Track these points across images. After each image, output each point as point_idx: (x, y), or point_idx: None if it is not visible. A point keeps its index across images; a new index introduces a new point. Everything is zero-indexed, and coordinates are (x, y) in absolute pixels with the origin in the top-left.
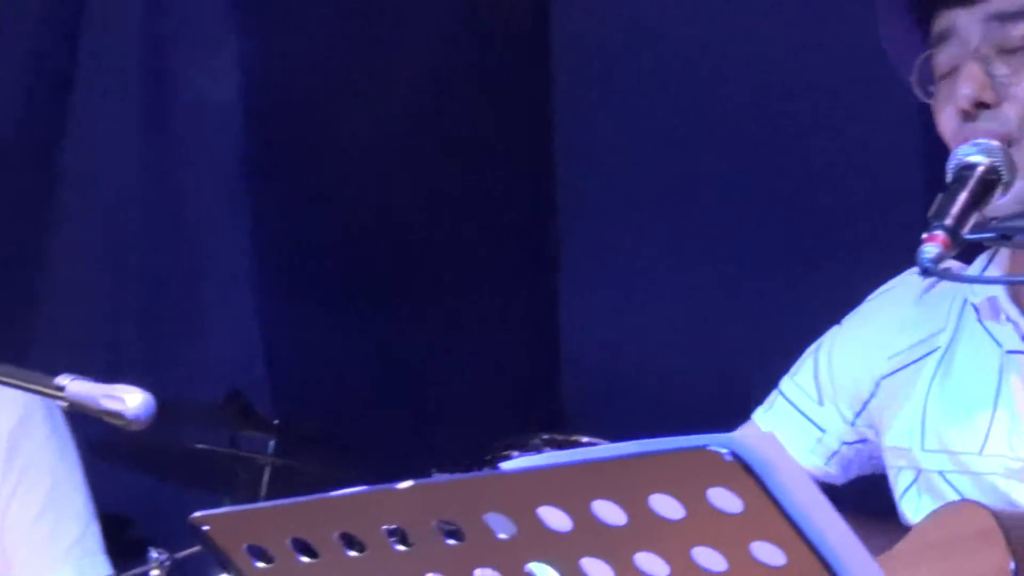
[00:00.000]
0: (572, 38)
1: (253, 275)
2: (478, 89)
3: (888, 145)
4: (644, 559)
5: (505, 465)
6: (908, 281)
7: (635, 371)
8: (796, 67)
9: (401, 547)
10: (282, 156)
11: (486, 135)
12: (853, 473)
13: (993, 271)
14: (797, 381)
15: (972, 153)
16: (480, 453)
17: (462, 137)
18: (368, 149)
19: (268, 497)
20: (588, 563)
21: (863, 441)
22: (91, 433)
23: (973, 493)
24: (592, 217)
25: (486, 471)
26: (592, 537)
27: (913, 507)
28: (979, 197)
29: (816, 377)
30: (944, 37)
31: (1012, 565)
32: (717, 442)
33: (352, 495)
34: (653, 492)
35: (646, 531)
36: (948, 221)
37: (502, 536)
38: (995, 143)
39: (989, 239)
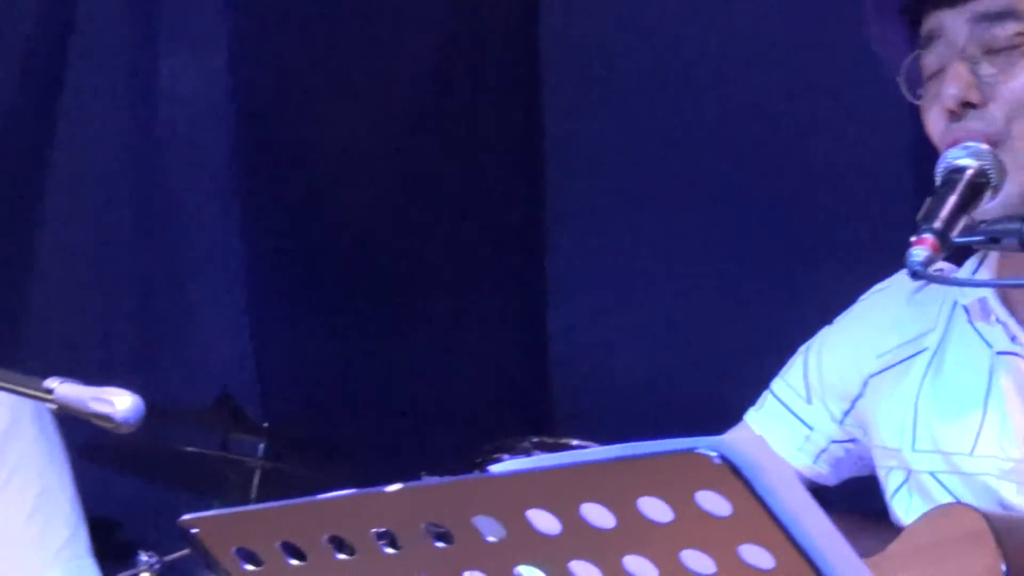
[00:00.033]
0: (561, 39)
1: (243, 278)
2: (467, 91)
3: (880, 146)
4: (633, 562)
5: (494, 468)
6: (900, 281)
7: (625, 373)
8: (786, 68)
9: (390, 550)
10: (272, 158)
11: (475, 137)
12: (845, 474)
13: (983, 273)
14: (787, 380)
15: (961, 156)
16: (470, 456)
17: (451, 139)
18: (357, 151)
19: (258, 500)
20: (577, 566)
21: (852, 441)
22: (81, 435)
23: (964, 493)
24: (581, 220)
25: (475, 474)
26: (581, 540)
27: (904, 507)
28: (968, 200)
29: (806, 376)
30: (932, 38)
31: (1003, 567)
32: (705, 445)
33: (341, 498)
34: (642, 495)
35: (635, 534)
36: (937, 224)
37: (491, 539)
38: (984, 146)
39: (978, 242)
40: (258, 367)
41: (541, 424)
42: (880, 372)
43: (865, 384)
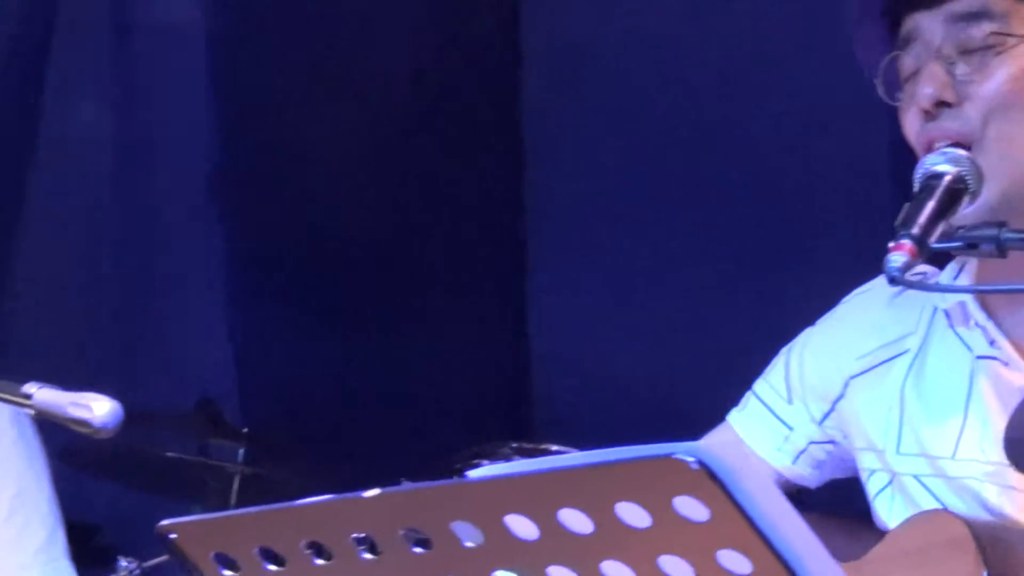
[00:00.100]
0: (541, 40)
1: (223, 284)
2: (449, 93)
3: (863, 149)
4: (611, 567)
5: (472, 473)
6: (882, 284)
7: (606, 377)
8: (768, 72)
9: (368, 555)
10: (252, 165)
11: (456, 139)
12: (826, 475)
13: (964, 278)
14: (769, 381)
15: (939, 162)
16: (450, 461)
17: (432, 142)
18: (339, 156)
19: (238, 506)
20: (555, 571)
21: (832, 442)
22: (60, 440)
23: (947, 496)
24: (562, 225)
25: (453, 479)
26: (559, 545)
27: (887, 510)
28: (946, 206)
29: (787, 377)
30: (909, 40)
31: (984, 574)
32: (683, 450)
33: (319, 503)
34: (619, 500)
35: (613, 539)
36: (915, 230)
37: (469, 544)
38: (962, 152)
39: (956, 248)
40: (238, 372)
41: (521, 429)
42: (861, 374)
43: (846, 385)
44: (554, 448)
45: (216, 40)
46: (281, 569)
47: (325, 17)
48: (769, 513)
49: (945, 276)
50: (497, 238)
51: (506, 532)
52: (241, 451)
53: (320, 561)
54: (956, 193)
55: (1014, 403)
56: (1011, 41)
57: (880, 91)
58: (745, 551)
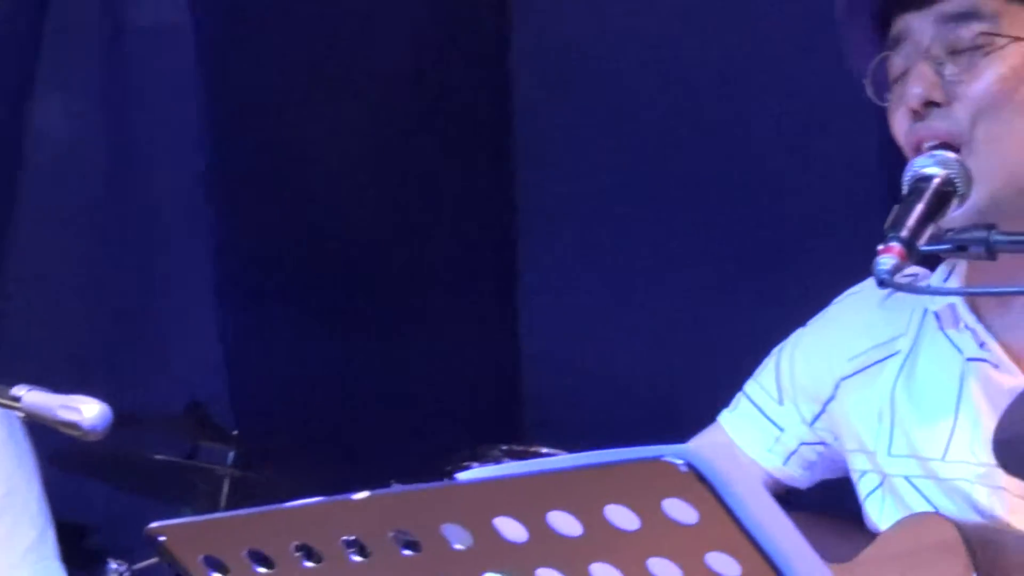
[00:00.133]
0: (533, 41)
1: (213, 286)
2: (440, 94)
3: (854, 150)
4: (600, 570)
5: (461, 476)
6: (873, 285)
7: (597, 378)
8: (759, 72)
9: (358, 558)
10: (243, 166)
11: (446, 140)
12: (817, 476)
13: (953, 281)
14: (760, 382)
15: (928, 165)
16: (440, 464)
17: (422, 143)
18: (328, 157)
19: (228, 508)
20: (543, 574)
21: (822, 444)
22: (50, 443)
23: (938, 497)
24: (553, 227)
25: (442, 482)
26: (548, 548)
27: (877, 511)
28: (935, 209)
29: (778, 378)
30: (898, 40)
31: None
32: (672, 453)
33: (308, 506)
34: (608, 503)
35: (601, 542)
36: (904, 233)
37: (458, 547)
38: (951, 155)
39: (945, 251)
40: (228, 375)
41: (512, 431)
42: (852, 375)
43: (836, 387)
44: (544, 450)
45: (208, 39)
46: (270, 571)
47: (318, 17)
48: (758, 516)
49: (935, 278)
50: (489, 239)
51: (495, 534)
52: (231, 454)
53: (309, 564)
54: (945, 196)
55: (1004, 405)
56: (1000, 41)
57: (869, 91)
58: (734, 554)
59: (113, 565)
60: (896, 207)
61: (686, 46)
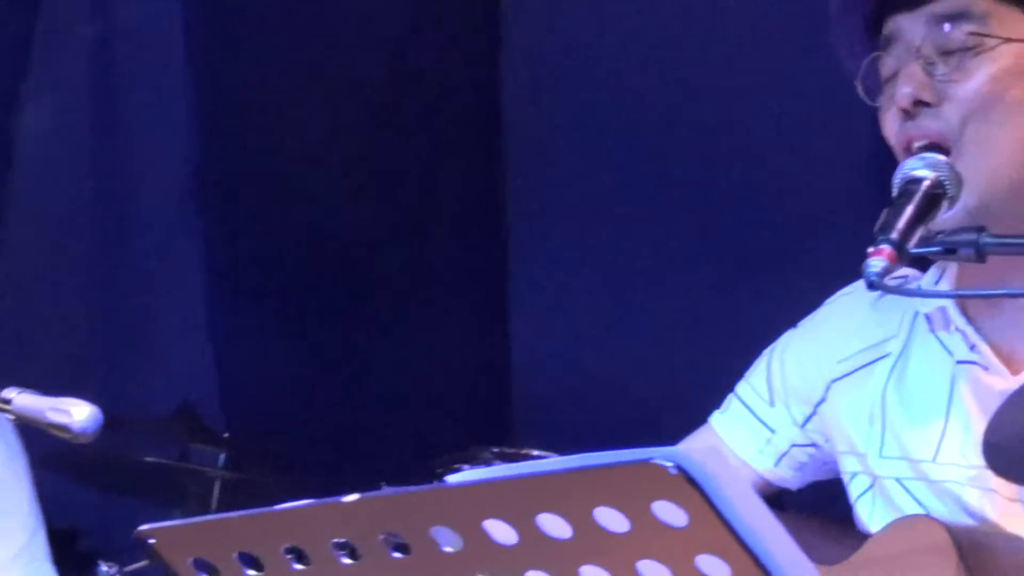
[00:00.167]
0: (524, 40)
1: (203, 288)
2: (428, 95)
3: (845, 151)
4: (589, 572)
5: (451, 478)
6: (864, 287)
7: (587, 381)
8: (750, 72)
9: (348, 560)
10: (232, 168)
11: (437, 141)
12: (808, 478)
13: (944, 283)
14: (751, 383)
15: (918, 167)
16: (431, 466)
17: (411, 145)
18: (316, 158)
19: (219, 511)
20: None
21: (814, 446)
22: (41, 445)
23: (929, 499)
24: (542, 225)
25: (431, 484)
26: (537, 550)
27: (868, 513)
28: (924, 211)
29: (769, 379)
30: (890, 41)
31: None
32: (661, 455)
33: (298, 509)
34: (598, 505)
35: (591, 544)
36: (894, 235)
37: (448, 549)
38: (940, 157)
39: (935, 253)
40: (218, 377)
41: (502, 434)
42: (842, 377)
43: (828, 389)
44: (535, 453)
45: (194, 41)
46: (260, 574)
47: (307, 17)
48: (748, 518)
49: (927, 280)
50: (478, 241)
51: (485, 537)
52: (222, 456)
53: (299, 566)
54: (935, 198)
55: (994, 407)
56: (990, 42)
57: (860, 92)
58: (724, 556)
59: (104, 568)
60: (886, 210)
61: (678, 45)
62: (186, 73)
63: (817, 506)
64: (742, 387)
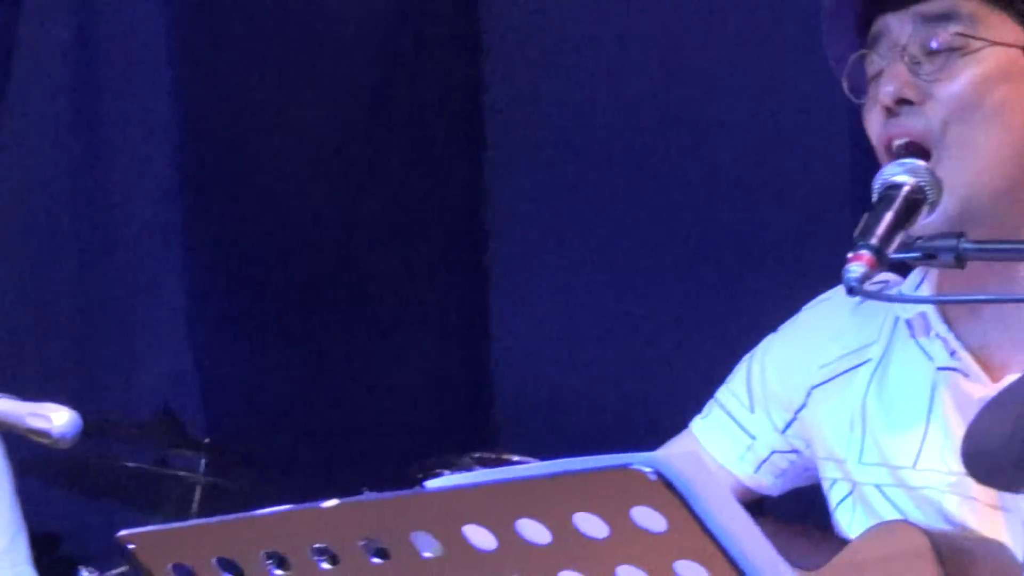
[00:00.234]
0: (503, 41)
1: (184, 292)
2: (407, 100)
3: (825, 155)
4: None
5: (430, 484)
6: (844, 292)
7: (568, 386)
8: (730, 77)
9: (327, 565)
10: (213, 172)
11: (416, 144)
12: (788, 484)
13: (925, 289)
14: (732, 388)
15: (898, 173)
16: (412, 471)
17: (392, 148)
18: (297, 163)
19: (199, 516)
20: None
21: (795, 452)
22: (20, 451)
23: (908, 506)
24: (522, 230)
25: (411, 490)
26: (516, 556)
27: (847, 519)
28: (904, 217)
29: (749, 384)
30: (877, 39)
31: None
32: (640, 461)
33: (278, 514)
34: (577, 511)
35: (570, 550)
36: (873, 241)
37: (427, 555)
38: (920, 163)
39: (914, 259)
40: (199, 383)
41: (483, 438)
42: (823, 383)
43: (808, 395)
44: (516, 458)
45: (177, 43)
46: None
47: (287, 20)
48: (726, 524)
49: (908, 285)
50: (459, 246)
51: (464, 543)
52: (202, 461)
53: (279, 572)
54: (914, 203)
55: (974, 414)
56: (976, 44)
57: (845, 89)
58: (702, 561)
59: (84, 573)
60: (866, 215)
61: (662, 45)
62: (169, 75)
63: (797, 512)
64: (723, 392)
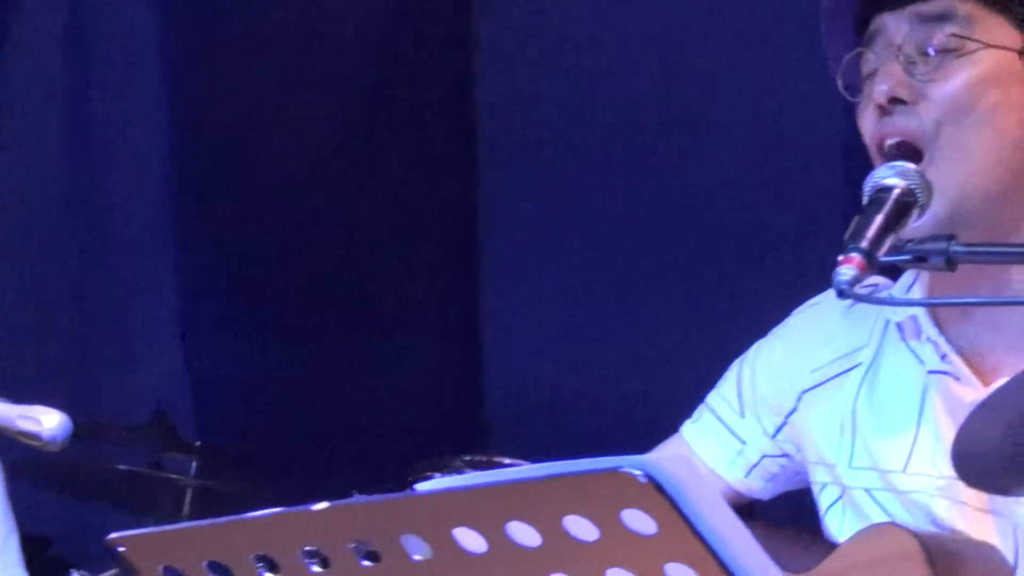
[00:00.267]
0: (497, 43)
1: (177, 295)
2: (401, 104)
3: (828, 157)
4: None
5: (421, 486)
6: (834, 296)
7: (559, 389)
8: (721, 79)
9: (318, 568)
10: (206, 175)
11: (409, 146)
12: (779, 488)
13: (916, 291)
14: (722, 393)
15: (888, 176)
16: (403, 474)
17: (384, 150)
18: (290, 166)
19: (190, 519)
20: None
21: (785, 456)
22: (12, 453)
23: (898, 510)
24: (515, 233)
25: (401, 493)
26: (506, 559)
27: (837, 523)
28: (894, 220)
29: (739, 389)
30: (874, 38)
31: None
32: (631, 464)
33: (268, 517)
34: (567, 514)
35: (560, 552)
36: (864, 244)
37: (417, 557)
38: (911, 166)
39: (904, 262)
40: (191, 385)
41: (474, 441)
42: (814, 387)
43: (799, 399)
44: (506, 461)
45: (171, 43)
46: None
47: (281, 21)
48: (717, 527)
49: (899, 288)
50: (451, 249)
51: (454, 545)
52: (194, 464)
53: (270, 574)
54: (905, 206)
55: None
56: (971, 46)
57: (840, 88)
58: (692, 564)
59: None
60: (856, 218)
61: (656, 47)
62: (164, 76)
63: (787, 516)
64: (713, 397)
